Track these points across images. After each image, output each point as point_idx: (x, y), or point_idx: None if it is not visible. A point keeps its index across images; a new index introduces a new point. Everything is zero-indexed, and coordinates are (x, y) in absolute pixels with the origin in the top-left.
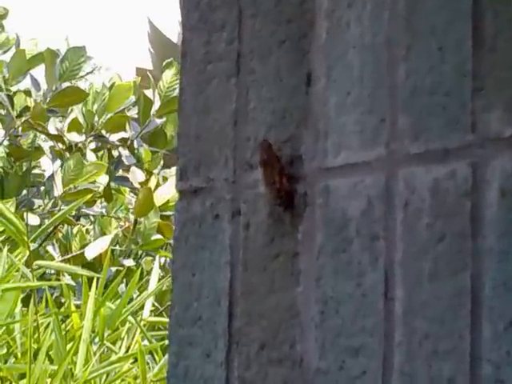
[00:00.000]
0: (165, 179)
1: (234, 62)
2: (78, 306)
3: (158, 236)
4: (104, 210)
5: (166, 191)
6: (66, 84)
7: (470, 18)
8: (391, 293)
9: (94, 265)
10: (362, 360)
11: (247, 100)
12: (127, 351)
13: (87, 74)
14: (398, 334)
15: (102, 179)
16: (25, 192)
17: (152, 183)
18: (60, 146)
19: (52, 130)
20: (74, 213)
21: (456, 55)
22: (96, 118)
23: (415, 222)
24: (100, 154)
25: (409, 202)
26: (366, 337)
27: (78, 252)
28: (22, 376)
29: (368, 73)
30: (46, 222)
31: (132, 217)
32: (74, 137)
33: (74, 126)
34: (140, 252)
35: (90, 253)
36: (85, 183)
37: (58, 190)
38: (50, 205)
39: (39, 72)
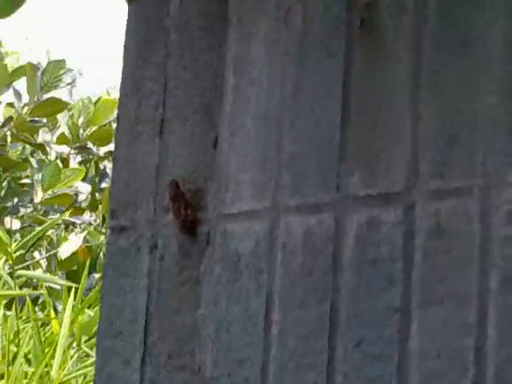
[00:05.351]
0: None
1: (158, 124)
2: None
3: None
4: (92, 220)
5: None
6: (47, 95)
7: (340, 99)
8: (270, 316)
9: (78, 273)
10: (245, 369)
11: (167, 156)
12: None
13: (67, 84)
14: (274, 349)
15: (85, 188)
16: (15, 200)
17: None
18: (42, 155)
19: (39, 141)
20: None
21: (329, 129)
22: (81, 131)
23: (291, 260)
24: (87, 166)
25: (286, 244)
26: (249, 351)
27: (54, 252)
28: (1, 377)
29: (261, 139)
30: (34, 226)
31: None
32: (60, 148)
33: (63, 139)
34: None
35: (64, 252)
36: (64, 188)
37: (38, 195)
38: (31, 210)
39: (21, 84)
